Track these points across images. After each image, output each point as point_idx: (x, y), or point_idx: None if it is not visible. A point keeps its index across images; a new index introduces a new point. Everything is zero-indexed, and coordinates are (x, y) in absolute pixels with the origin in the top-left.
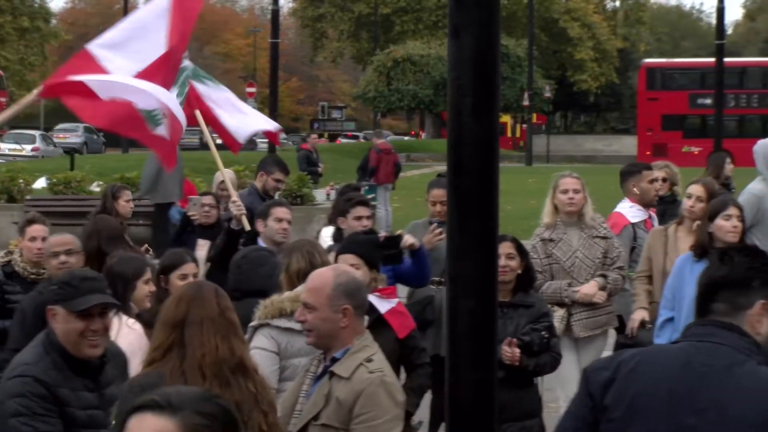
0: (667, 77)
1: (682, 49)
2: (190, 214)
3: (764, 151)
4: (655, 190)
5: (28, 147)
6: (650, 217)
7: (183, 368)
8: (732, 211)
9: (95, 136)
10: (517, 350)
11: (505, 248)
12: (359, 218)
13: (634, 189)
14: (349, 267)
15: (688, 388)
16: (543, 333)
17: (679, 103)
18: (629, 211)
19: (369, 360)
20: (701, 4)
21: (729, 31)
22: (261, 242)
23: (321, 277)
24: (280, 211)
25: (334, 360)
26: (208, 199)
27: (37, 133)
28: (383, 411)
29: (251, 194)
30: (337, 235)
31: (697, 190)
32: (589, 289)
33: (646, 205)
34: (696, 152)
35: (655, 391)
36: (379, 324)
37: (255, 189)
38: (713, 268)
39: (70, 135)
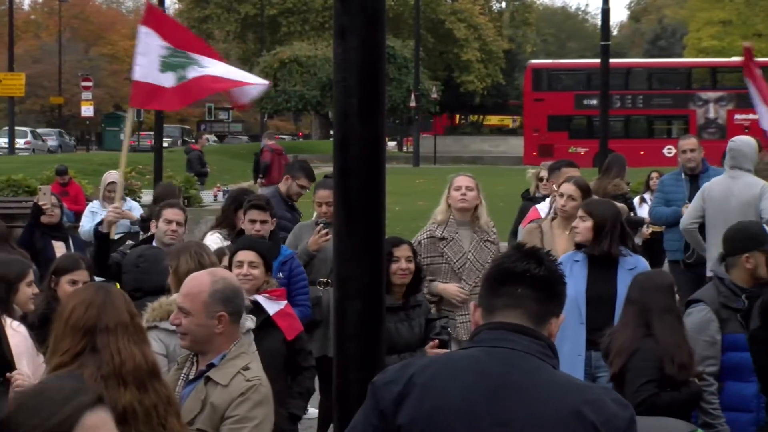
0: (553, 78)
1: (568, 50)
2: (41, 203)
3: (746, 149)
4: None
5: (21, 141)
6: None
7: (102, 374)
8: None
9: (67, 139)
10: (443, 351)
11: (404, 251)
12: (253, 222)
13: (554, 186)
14: (227, 272)
15: (488, 398)
16: (449, 329)
17: (565, 104)
18: (546, 207)
19: (246, 368)
20: (587, 5)
21: (614, 32)
22: (155, 243)
23: (197, 282)
24: (170, 213)
25: (211, 365)
26: (53, 199)
27: (28, 129)
28: (253, 416)
29: (274, 197)
30: (233, 236)
31: (569, 189)
32: (452, 287)
33: None
34: (582, 153)
35: (453, 405)
36: (267, 325)
37: (279, 192)
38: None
39: (48, 138)
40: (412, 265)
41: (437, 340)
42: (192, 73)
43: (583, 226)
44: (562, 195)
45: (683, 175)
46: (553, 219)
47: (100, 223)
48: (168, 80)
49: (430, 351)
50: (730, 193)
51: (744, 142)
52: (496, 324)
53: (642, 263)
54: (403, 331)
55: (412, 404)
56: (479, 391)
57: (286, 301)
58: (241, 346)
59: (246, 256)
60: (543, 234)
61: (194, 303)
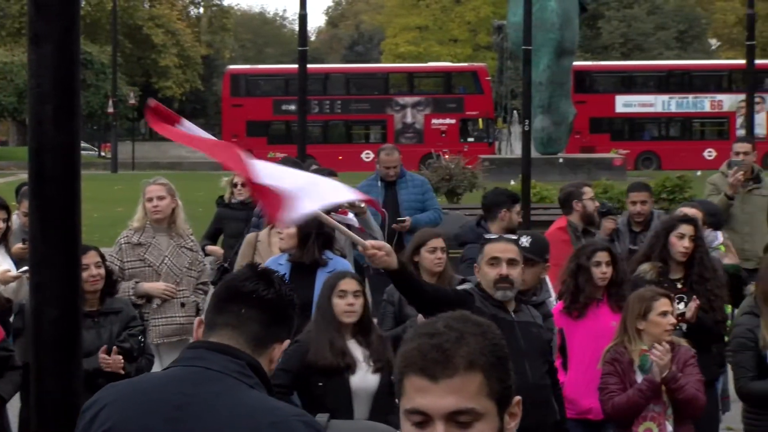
0: (252, 83)
1: (266, 56)
2: None
3: None
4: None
5: None
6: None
7: None
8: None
9: None
10: (119, 357)
11: (92, 257)
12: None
13: None
14: None
15: (166, 421)
16: (140, 338)
17: (264, 110)
18: None
19: None
20: (284, 11)
21: (312, 37)
22: None
23: None
24: None
25: None
26: None
27: None
28: None
29: None
30: None
31: None
32: (159, 284)
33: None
34: (281, 158)
35: (129, 428)
36: None
37: None
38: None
39: None
40: (102, 271)
41: (106, 347)
42: None
43: (288, 232)
44: None
45: (379, 181)
46: (271, 228)
47: None
48: None
49: (101, 357)
50: None
51: None
52: (197, 343)
53: (341, 263)
54: (87, 338)
55: (96, 426)
56: (159, 413)
57: None
58: None
59: None
60: (259, 243)
61: None
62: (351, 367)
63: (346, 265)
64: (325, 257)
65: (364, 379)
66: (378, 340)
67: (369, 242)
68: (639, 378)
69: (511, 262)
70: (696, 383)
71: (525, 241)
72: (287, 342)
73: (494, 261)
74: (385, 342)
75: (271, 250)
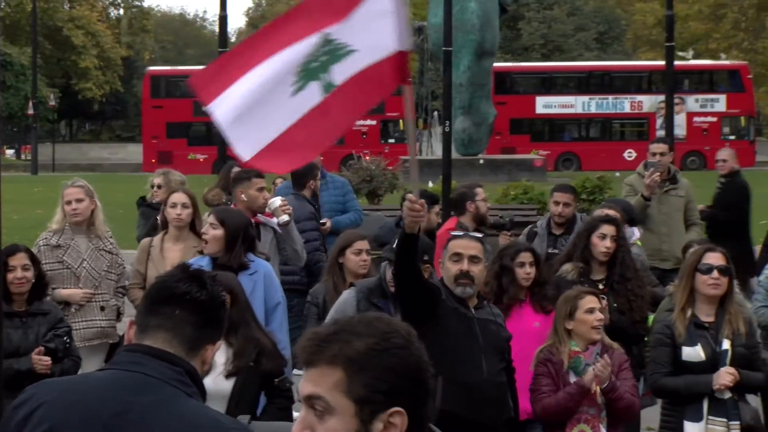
0: (172, 85)
1: (186, 57)
2: None
3: None
4: (264, 198)
5: None
6: (262, 223)
7: None
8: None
9: None
10: (47, 358)
11: (20, 260)
12: None
13: (242, 196)
14: None
15: (105, 426)
16: (65, 339)
17: (184, 111)
18: None
19: None
20: (204, 12)
21: (232, 38)
22: None
23: None
24: None
25: None
26: None
27: None
28: None
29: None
30: None
31: (181, 198)
32: (76, 291)
33: (254, 211)
34: (201, 159)
35: (70, 429)
36: None
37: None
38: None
39: None
40: (29, 273)
41: (41, 348)
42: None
43: (213, 235)
44: (174, 205)
45: None
46: (165, 233)
47: None
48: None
49: (34, 357)
50: None
51: None
52: (134, 346)
53: (263, 265)
54: (14, 337)
55: (33, 425)
56: (99, 419)
57: None
58: None
59: None
60: (152, 248)
61: None
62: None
63: (268, 267)
64: (247, 260)
65: (216, 381)
66: (244, 342)
67: (413, 196)
68: (572, 378)
69: (472, 259)
70: (632, 388)
71: None
72: (219, 344)
73: (457, 257)
74: (254, 344)
75: (162, 255)
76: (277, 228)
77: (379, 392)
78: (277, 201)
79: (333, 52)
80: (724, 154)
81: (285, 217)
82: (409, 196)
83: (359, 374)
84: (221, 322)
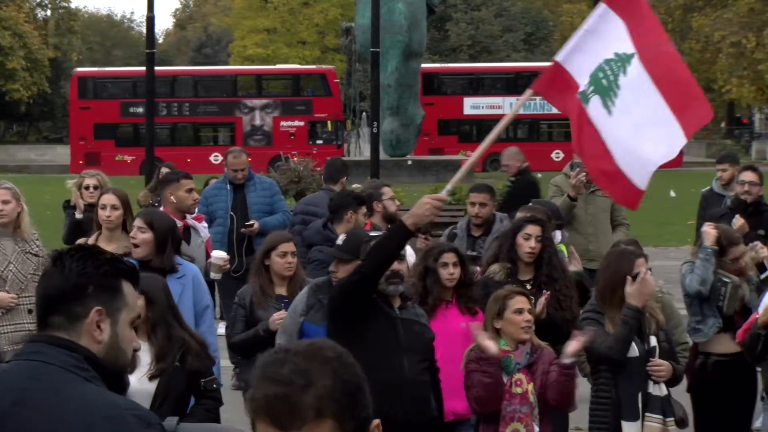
0: (99, 86)
1: (114, 58)
2: None
3: None
4: (193, 200)
5: None
6: (191, 226)
7: None
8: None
9: None
10: None
11: None
12: None
13: (171, 198)
14: None
15: (5, 416)
16: None
17: (111, 112)
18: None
19: None
20: (132, 13)
21: (160, 40)
22: None
23: None
24: None
25: None
26: None
27: None
28: None
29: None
30: None
31: (110, 200)
32: (3, 295)
33: (183, 212)
34: (129, 161)
35: None
36: None
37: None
38: (46, 278)
39: None
40: None
41: None
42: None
43: (142, 238)
44: (104, 207)
45: (227, 184)
46: (98, 234)
47: None
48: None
49: None
50: None
51: None
52: (36, 336)
53: (190, 269)
54: None
55: None
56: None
57: None
58: None
59: None
60: None
61: None
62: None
63: (196, 270)
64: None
65: (141, 381)
66: (165, 343)
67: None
68: (504, 379)
69: (400, 258)
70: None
71: (339, 239)
72: (103, 309)
73: None
74: (178, 344)
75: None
76: (204, 233)
77: (364, 416)
78: (221, 259)
79: (611, 89)
80: (508, 157)
81: (217, 276)
82: (439, 195)
83: (346, 413)
84: (83, 289)
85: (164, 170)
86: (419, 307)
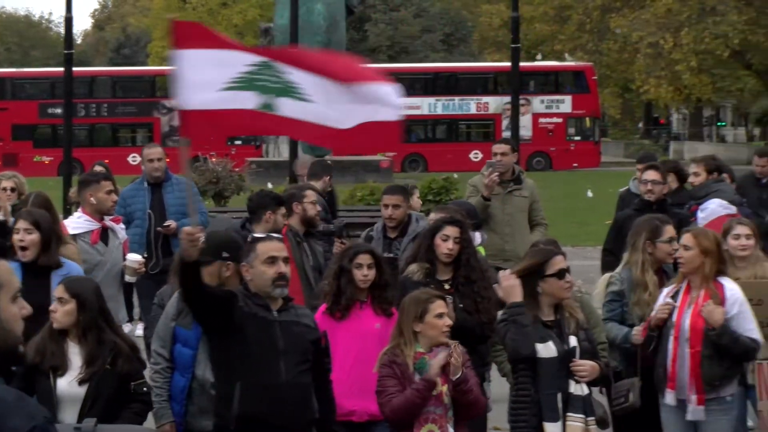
0: (17, 87)
1: (32, 59)
2: None
3: None
4: (112, 201)
5: None
6: (109, 228)
7: None
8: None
9: None
10: None
11: None
12: None
13: (91, 199)
14: None
15: None
16: None
17: (29, 113)
18: (75, 221)
19: None
20: (50, 13)
21: (78, 40)
22: None
23: None
24: None
25: None
26: None
27: None
28: None
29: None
30: None
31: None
32: None
33: (102, 214)
34: (47, 162)
35: None
36: None
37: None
38: None
39: None
40: None
41: None
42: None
43: (31, 239)
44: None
45: (145, 184)
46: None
47: None
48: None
49: None
50: None
51: None
52: None
53: (74, 268)
54: None
55: None
56: None
57: None
58: None
59: None
60: None
61: None
62: (58, 369)
63: (79, 269)
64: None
65: (71, 384)
66: (95, 347)
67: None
68: (417, 379)
69: (285, 260)
70: (476, 385)
71: None
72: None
73: (272, 260)
74: (109, 347)
75: None
76: (121, 234)
77: None
78: (136, 262)
79: (290, 88)
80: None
81: (132, 279)
82: (186, 229)
83: None
84: None
85: (98, 168)
86: (302, 307)
